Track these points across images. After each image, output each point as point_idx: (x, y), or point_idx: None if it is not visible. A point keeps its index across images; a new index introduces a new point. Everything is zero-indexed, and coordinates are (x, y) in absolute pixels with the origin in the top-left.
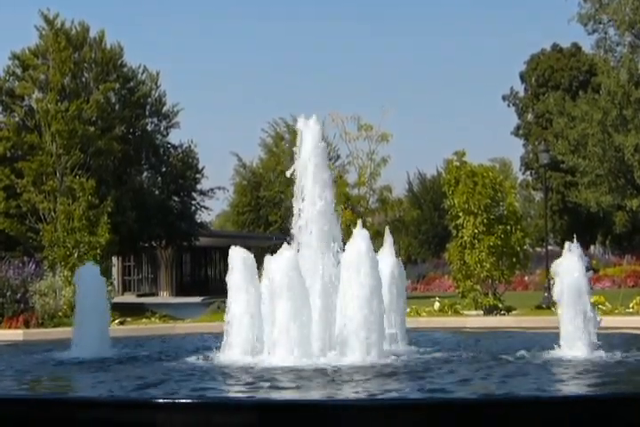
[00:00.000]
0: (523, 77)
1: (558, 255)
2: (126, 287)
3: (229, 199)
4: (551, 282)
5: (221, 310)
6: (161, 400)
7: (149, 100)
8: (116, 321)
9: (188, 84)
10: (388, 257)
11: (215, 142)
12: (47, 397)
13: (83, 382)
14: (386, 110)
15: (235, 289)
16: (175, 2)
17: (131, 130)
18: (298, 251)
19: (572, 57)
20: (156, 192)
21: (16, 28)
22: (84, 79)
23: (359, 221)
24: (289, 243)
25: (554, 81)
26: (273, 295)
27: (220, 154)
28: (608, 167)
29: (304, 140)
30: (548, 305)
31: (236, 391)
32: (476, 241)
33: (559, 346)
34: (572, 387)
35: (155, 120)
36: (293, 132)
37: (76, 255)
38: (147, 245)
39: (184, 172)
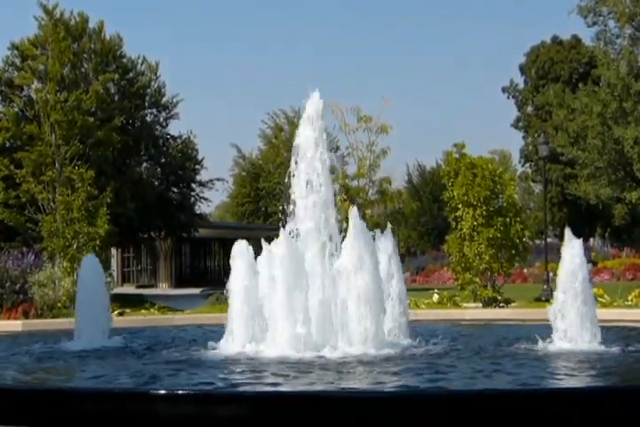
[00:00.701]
0: (522, 70)
1: (558, 248)
2: (125, 279)
3: (229, 190)
4: (550, 275)
5: (220, 301)
6: (161, 391)
7: (149, 90)
8: (115, 312)
9: (188, 76)
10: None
11: (214, 134)
12: (42, 388)
13: (78, 373)
14: (386, 100)
15: (234, 279)
16: None
17: (130, 121)
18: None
19: (572, 49)
20: (156, 183)
21: (15, 19)
22: (83, 70)
23: (354, 209)
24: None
25: (554, 73)
26: (273, 285)
27: (219, 145)
28: (607, 160)
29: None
30: (547, 298)
31: (233, 383)
32: (476, 233)
33: (556, 338)
34: (571, 380)
35: (154, 111)
36: (293, 124)
37: (75, 246)
38: (146, 236)
39: (183, 163)
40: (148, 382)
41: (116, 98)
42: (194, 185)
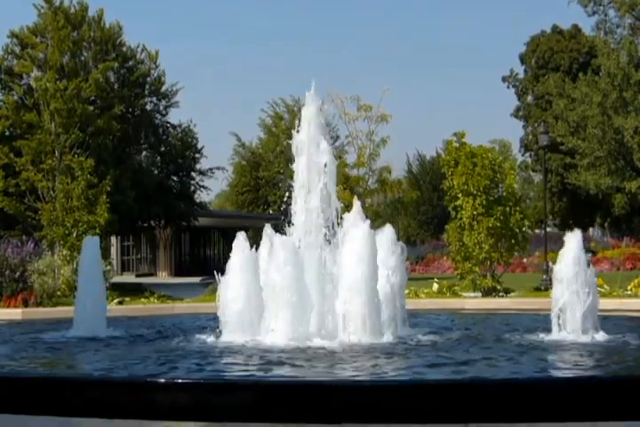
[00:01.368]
0: (522, 59)
1: (557, 237)
2: (125, 267)
3: (228, 179)
4: (549, 264)
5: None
6: (161, 380)
7: (148, 79)
8: (115, 301)
9: (187, 64)
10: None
11: (214, 122)
12: (40, 375)
13: (80, 362)
14: (385, 90)
15: (233, 268)
16: None
17: (130, 109)
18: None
19: (572, 39)
20: (155, 172)
21: (15, 7)
22: (82, 58)
23: (356, 201)
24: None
25: (554, 63)
26: (273, 274)
27: (219, 134)
28: (607, 149)
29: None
30: (546, 287)
31: (234, 371)
32: (475, 223)
33: (555, 328)
34: (570, 370)
35: (154, 99)
36: (293, 113)
37: (74, 234)
38: (145, 224)
39: (183, 151)
40: (141, 368)
41: (116, 86)
42: (194, 174)
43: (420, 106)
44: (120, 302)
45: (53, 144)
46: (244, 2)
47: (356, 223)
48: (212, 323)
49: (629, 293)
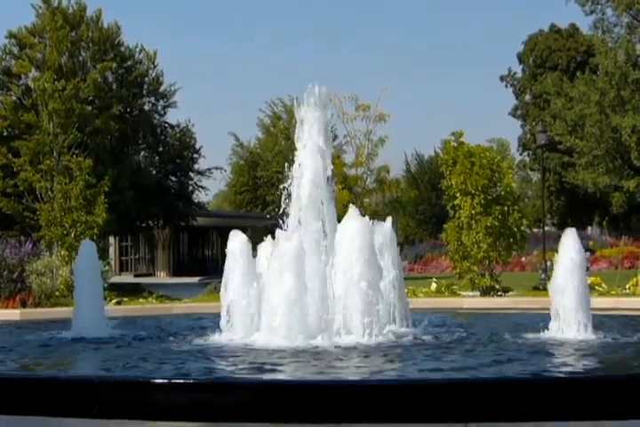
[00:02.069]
0: (520, 58)
1: (555, 236)
2: (123, 267)
3: (227, 179)
4: (547, 263)
5: (218, 290)
6: (159, 380)
7: (147, 79)
8: (113, 301)
9: (186, 64)
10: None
11: (213, 122)
12: (37, 376)
13: (79, 362)
14: (384, 88)
15: (231, 268)
16: None
17: (128, 109)
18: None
19: (569, 37)
20: (154, 172)
21: (13, 7)
22: (81, 58)
23: (352, 207)
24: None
25: (551, 61)
26: (273, 274)
27: (217, 134)
28: (605, 148)
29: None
30: (544, 286)
31: (232, 371)
32: (474, 222)
33: (553, 327)
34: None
35: (152, 99)
36: (291, 112)
37: (73, 235)
38: (144, 225)
39: (181, 151)
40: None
41: (114, 86)
42: (192, 174)
43: (419, 105)
44: (118, 303)
45: (51, 144)
46: (242, 1)
47: (351, 218)
48: (210, 323)
49: (627, 291)
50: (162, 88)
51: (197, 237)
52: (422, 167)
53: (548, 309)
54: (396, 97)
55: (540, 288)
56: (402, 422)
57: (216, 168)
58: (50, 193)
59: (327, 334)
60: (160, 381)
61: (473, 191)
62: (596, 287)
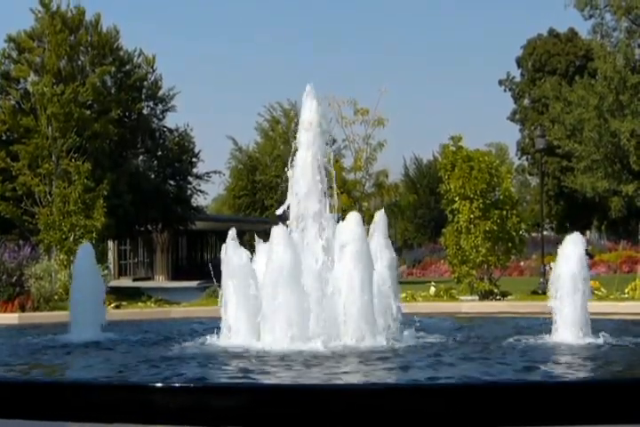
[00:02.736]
0: (519, 62)
1: (554, 241)
2: (122, 271)
3: (225, 183)
4: (546, 268)
5: (217, 294)
6: (157, 384)
7: (145, 83)
8: (112, 305)
9: (185, 68)
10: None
11: (211, 126)
12: (35, 380)
13: (74, 366)
14: (384, 90)
15: (229, 272)
16: None
17: (127, 113)
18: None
19: (568, 42)
20: (152, 176)
21: (12, 11)
22: (79, 62)
23: (354, 214)
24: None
25: (550, 66)
26: (271, 278)
27: (216, 138)
28: (604, 152)
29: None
30: (543, 291)
31: (229, 376)
32: (472, 226)
33: (552, 332)
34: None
35: (151, 104)
36: (289, 117)
37: (71, 239)
38: (142, 229)
39: (180, 155)
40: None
41: (113, 90)
42: (190, 178)
43: (417, 109)
44: (117, 307)
45: (50, 148)
46: (240, 5)
47: (348, 224)
48: (208, 327)
49: (626, 296)
50: (160, 92)
51: (196, 241)
52: (421, 171)
53: (547, 313)
54: (394, 101)
55: (539, 292)
56: None
57: (215, 172)
58: (48, 197)
59: (324, 338)
60: (155, 385)
61: (472, 195)
62: (595, 292)
